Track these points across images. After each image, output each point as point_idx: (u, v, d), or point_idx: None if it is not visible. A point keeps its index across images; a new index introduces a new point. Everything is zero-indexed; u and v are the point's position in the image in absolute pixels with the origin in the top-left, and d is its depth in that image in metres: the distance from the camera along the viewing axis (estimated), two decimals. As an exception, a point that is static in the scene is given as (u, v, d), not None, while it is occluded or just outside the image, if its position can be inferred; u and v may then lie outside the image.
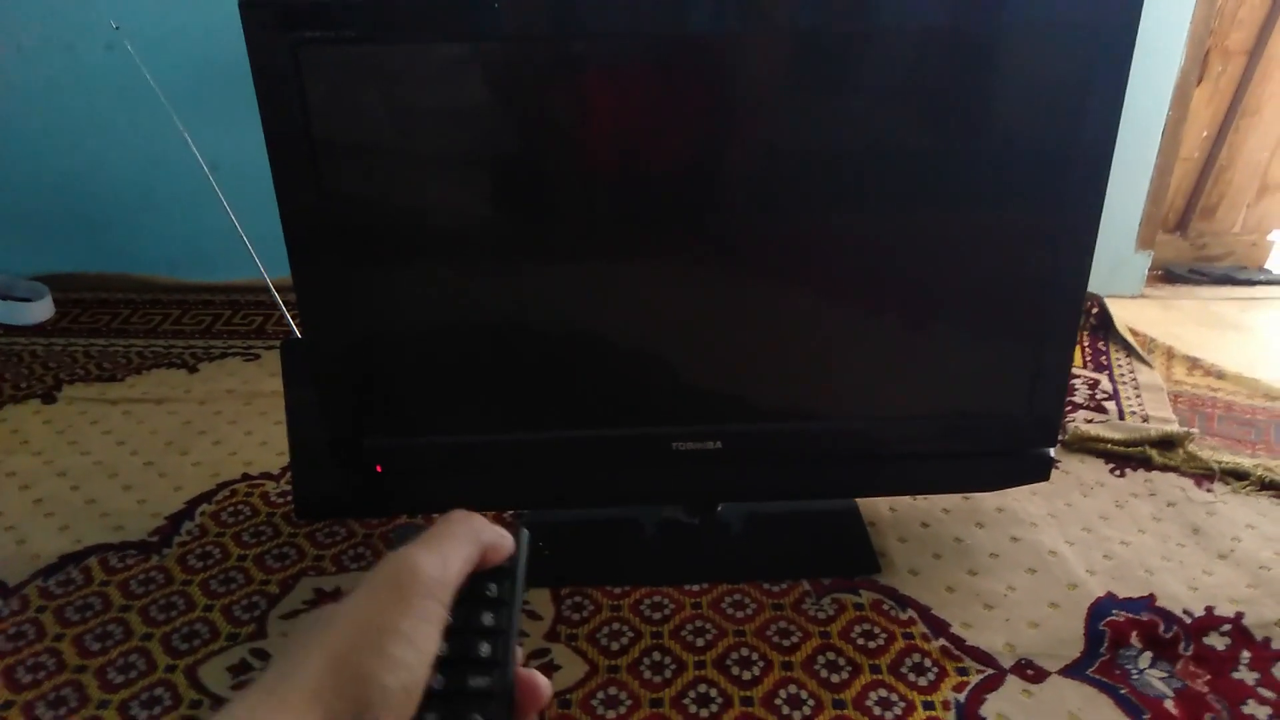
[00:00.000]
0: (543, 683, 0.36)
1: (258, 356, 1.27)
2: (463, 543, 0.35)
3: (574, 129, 0.75)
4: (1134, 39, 0.70)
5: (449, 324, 0.81)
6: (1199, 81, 1.42)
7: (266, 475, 1.02)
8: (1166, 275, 1.57)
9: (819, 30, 0.71)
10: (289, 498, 0.98)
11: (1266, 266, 1.62)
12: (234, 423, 1.12)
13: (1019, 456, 0.86)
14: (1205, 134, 1.55)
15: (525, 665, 0.37)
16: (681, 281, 0.79)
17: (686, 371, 0.83)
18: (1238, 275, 1.57)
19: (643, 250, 0.78)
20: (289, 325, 0.99)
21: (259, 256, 1.02)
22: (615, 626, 0.81)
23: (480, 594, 0.37)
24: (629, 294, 0.80)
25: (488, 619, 0.37)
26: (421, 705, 0.32)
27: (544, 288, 0.79)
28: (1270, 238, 1.62)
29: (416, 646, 0.31)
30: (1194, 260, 1.62)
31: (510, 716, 0.35)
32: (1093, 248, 0.78)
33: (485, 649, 0.36)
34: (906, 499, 0.96)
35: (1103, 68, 0.71)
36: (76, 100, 1.37)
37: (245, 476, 1.02)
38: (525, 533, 0.39)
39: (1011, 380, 0.83)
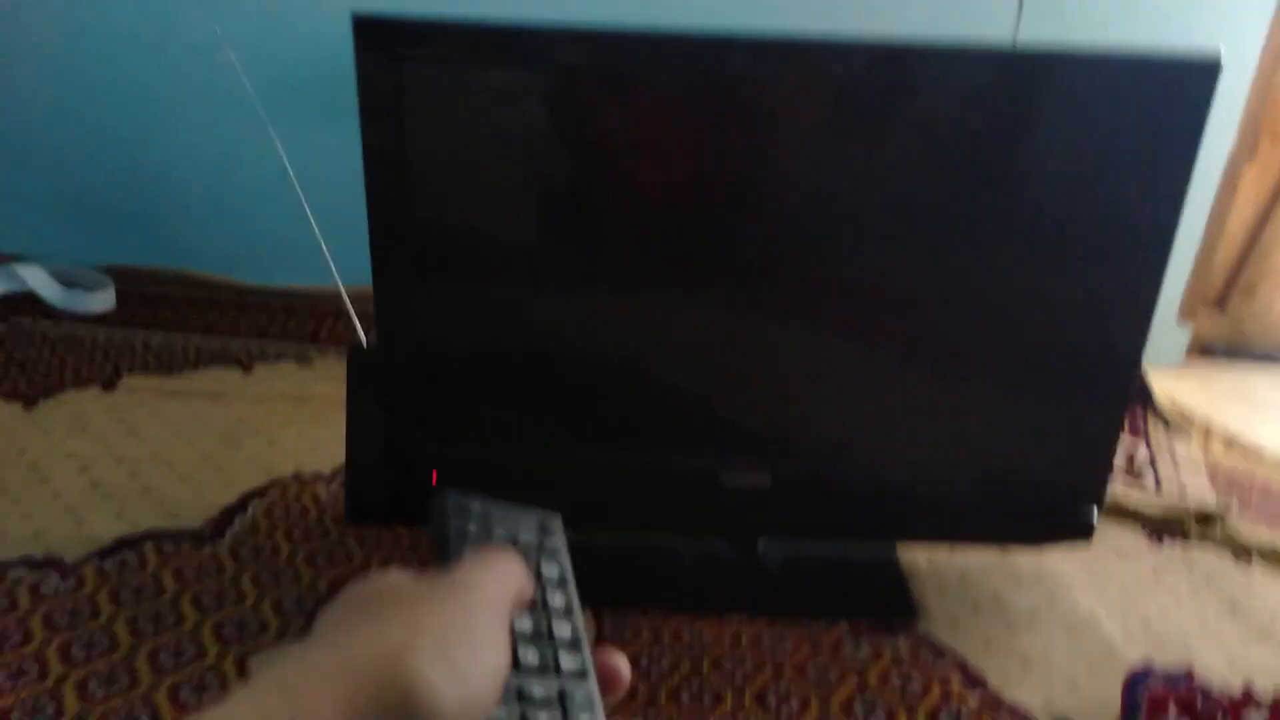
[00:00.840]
0: (622, 663, 0.36)
1: (310, 361, 1.30)
2: (516, 574, 0.33)
3: (647, 165, 0.79)
4: (1206, 117, 0.72)
5: (513, 342, 0.84)
6: (1249, 161, 1.44)
7: (318, 476, 1.04)
8: (1204, 350, 1.58)
9: (888, 84, 0.74)
10: (338, 499, 1.00)
11: (1305, 351, 1.63)
12: (286, 424, 1.14)
13: (1061, 515, 0.87)
14: (1251, 214, 1.57)
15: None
16: (742, 319, 0.82)
17: (738, 406, 0.85)
18: (1275, 356, 1.58)
19: (705, 289, 0.81)
20: (357, 332, 1.01)
21: (322, 262, 1.04)
22: (656, 652, 0.82)
23: (543, 544, 0.38)
24: (688, 328, 0.82)
25: (552, 570, 0.37)
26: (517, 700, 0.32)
27: (604, 314, 0.82)
28: (1310, 322, 1.63)
29: (482, 654, 0.28)
30: (1231, 337, 1.63)
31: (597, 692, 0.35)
32: (1150, 319, 0.80)
33: (566, 629, 0.36)
34: (944, 552, 0.97)
35: (1174, 142, 0.73)
36: (156, 97, 1.42)
37: (296, 475, 1.04)
38: (558, 516, 0.40)
39: (1060, 439, 0.85)
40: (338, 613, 0.29)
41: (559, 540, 0.39)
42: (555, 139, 0.78)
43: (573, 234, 0.81)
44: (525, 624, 0.36)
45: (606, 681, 0.35)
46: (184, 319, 1.40)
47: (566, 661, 0.35)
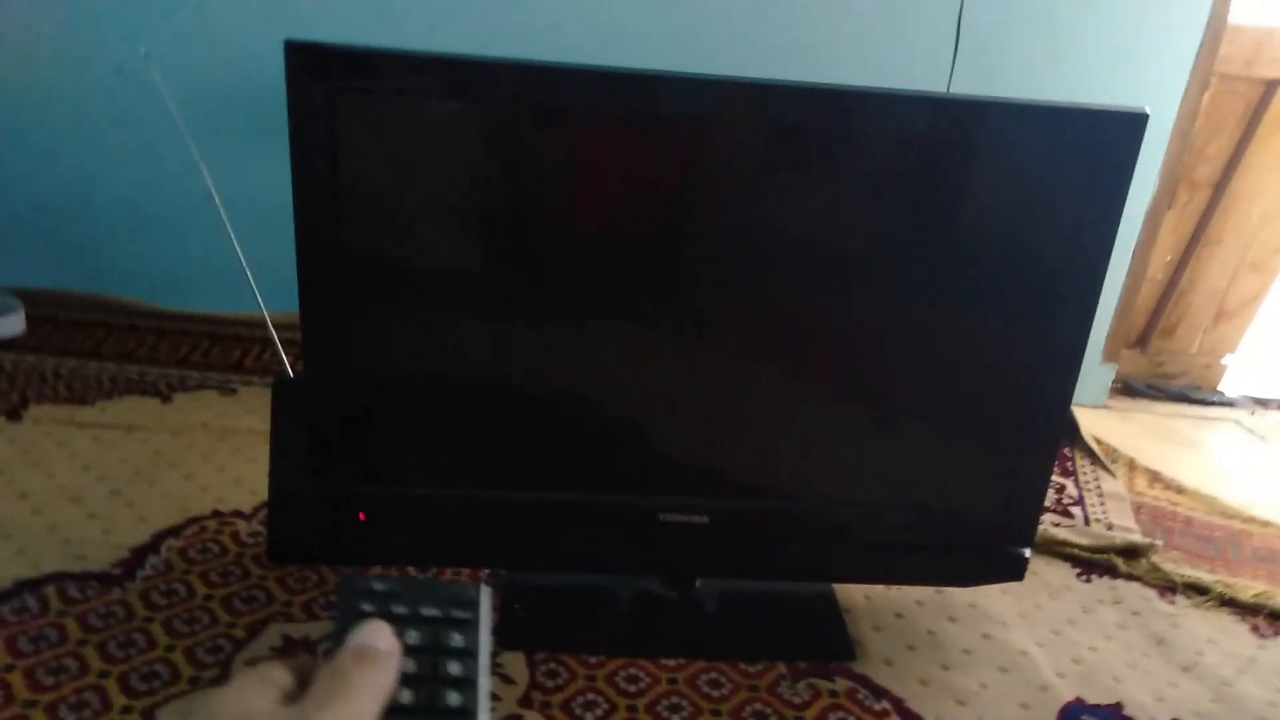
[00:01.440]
0: None
1: (234, 391, 1.25)
2: (368, 695, 0.32)
3: (582, 200, 0.78)
4: (1133, 165, 0.75)
5: (444, 377, 0.82)
6: (1168, 208, 1.50)
7: (238, 514, 0.99)
8: (1126, 388, 1.63)
9: (827, 127, 0.75)
10: (260, 538, 0.95)
11: (1220, 388, 1.70)
12: (206, 457, 1.09)
13: (994, 555, 0.88)
14: (1169, 258, 1.63)
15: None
16: (675, 355, 0.81)
17: (676, 443, 0.84)
18: (1193, 394, 1.64)
19: (641, 325, 0.80)
20: (283, 362, 0.98)
21: (247, 289, 1.01)
22: (590, 697, 0.80)
23: (443, 644, 0.36)
24: (624, 364, 0.81)
25: (455, 640, 0.36)
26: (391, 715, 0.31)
27: (541, 350, 0.80)
28: (1224, 361, 1.70)
29: None
30: (1152, 376, 1.69)
31: None
32: (1079, 364, 0.81)
33: (455, 668, 0.35)
34: (881, 589, 0.97)
35: (1103, 189, 0.75)
36: (77, 115, 1.37)
37: (216, 513, 0.99)
38: (487, 590, 0.38)
39: (992, 480, 0.86)
40: None
41: (476, 613, 0.37)
42: (489, 172, 0.77)
43: (507, 268, 0.80)
44: (404, 696, 0.35)
45: None
46: (99, 345, 1.33)
47: None
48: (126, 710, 0.74)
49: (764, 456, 0.85)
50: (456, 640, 0.36)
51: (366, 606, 0.36)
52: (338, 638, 0.35)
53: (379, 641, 0.35)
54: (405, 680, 0.34)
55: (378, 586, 0.37)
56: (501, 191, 0.78)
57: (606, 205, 0.78)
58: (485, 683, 0.36)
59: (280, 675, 0.33)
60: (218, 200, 0.98)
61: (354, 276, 0.75)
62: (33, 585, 0.86)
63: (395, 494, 0.83)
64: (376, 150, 0.74)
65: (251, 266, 1.00)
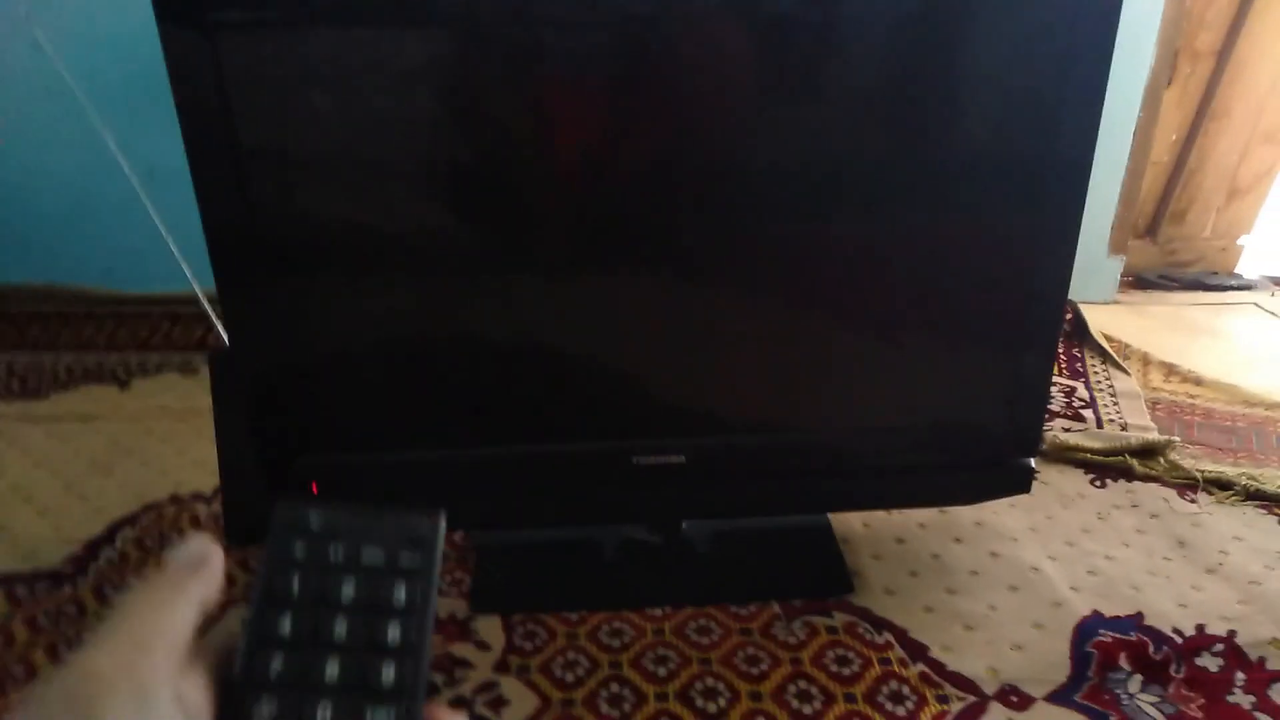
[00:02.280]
0: None
1: (196, 371, 1.20)
2: (162, 610, 0.26)
3: (526, 130, 0.70)
4: (1113, 38, 0.66)
5: (388, 336, 0.75)
6: (1169, 84, 1.40)
7: (197, 496, 0.95)
8: (1137, 281, 1.55)
9: (786, 25, 0.66)
10: (220, 520, 0.90)
11: (1236, 271, 1.61)
12: (165, 441, 1.04)
13: (998, 468, 0.81)
14: (1175, 137, 1.53)
15: (464, 703, 0.30)
16: (640, 287, 0.74)
17: (647, 382, 0.77)
18: (1208, 281, 1.55)
19: (598, 255, 0.73)
20: (223, 340, 0.92)
21: (197, 266, 0.95)
22: (571, 656, 0.75)
23: (383, 602, 0.30)
24: (582, 300, 0.74)
25: (399, 596, 0.30)
26: (310, 694, 0.26)
27: (489, 296, 0.73)
28: (1239, 242, 1.60)
29: None
30: (1164, 266, 1.60)
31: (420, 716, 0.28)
32: (1073, 254, 0.74)
33: (394, 634, 0.29)
34: (880, 513, 0.91)
35: (1081, 68, 0.67)
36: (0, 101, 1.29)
37: (174, 498, 0.94)
38: (441, 524, 0.32)
39: (990, 390, 0.79)
40: None
41: (424, 555, 0.31)
42: (409, 107, 0.69)
43: (442, 212, 0.73)
44: (332, 670, 0.28)
45: None
46: (56, 337, 1.28)
47: (374, 717, 0.28)
48: (77, 713, 0.70)
49: (740, 388, 0.79)
50: (399, 596, 0.30)
51: (298, 548, 0.30)
52: (264, 579, 0.30)
53: (188, 550, 0.30)
54: (332, 649, 0.29)
55: (314, 521, 0.31)
56: (427, 130, 0.70)
57: (554, 125, 0.70)
58: (427, 646, 0.30)
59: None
60: (130, 175, 0.91)
61: (270, 241, 0.69)
62: (-20, 590, 0.82)
63: (348, 462, 0.77)
64: (274, 96, 0.66)
65: (197, 241, 0.93)
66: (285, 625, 0.29)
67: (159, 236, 1.39)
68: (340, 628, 0.29)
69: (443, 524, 0.32)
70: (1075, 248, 0.74)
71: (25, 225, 1.37)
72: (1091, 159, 0.71)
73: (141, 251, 1.37)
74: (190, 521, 0.91)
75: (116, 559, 0.86)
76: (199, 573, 0.29)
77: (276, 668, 0.28)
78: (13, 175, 1.35)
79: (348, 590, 0.30)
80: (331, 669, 0.28)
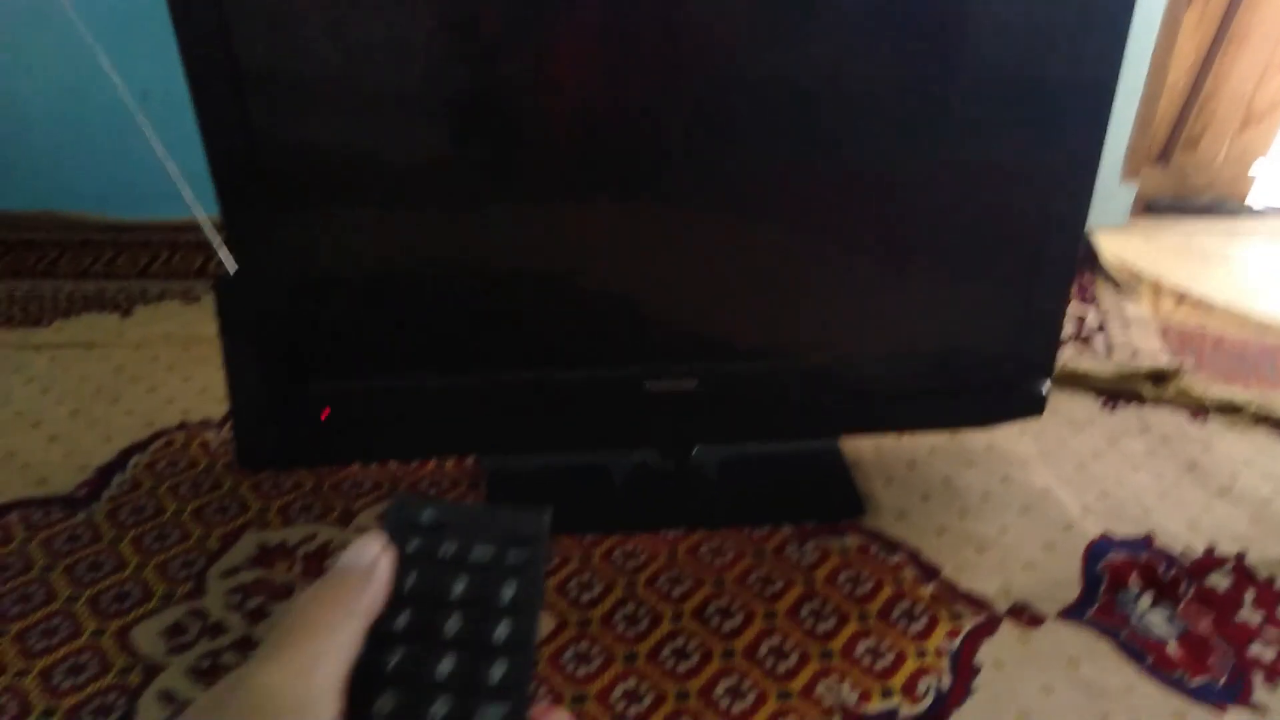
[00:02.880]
0: None
1: (198, 299, 1.18)
2: (334, 630, 0.26)
3: (529, 52, 0.67)
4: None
5: (397, 261, 0.74)
6: (1188, 5, 1.36)
7: (206, 423, 0.94)
8: (1149, 208, 1.53)
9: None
10: (231, 447, 0.90)
11: (1249, 200, 1.58)
12: (171, 368, 1.03)
13: (1011, 392, 0.81)
14: (1191, 61, 1.49)
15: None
16: (651, 212, 0.72)
17: (658, 307, 0.76)
18: (1220, 208, 1.53)
19: (606, 179, 0.71)
20: (226, 266, 0.90)
21: (197, 191, 0.93)
22: (585, 578, 0.76)
23: (492, 599, 0.30)
24: (592, 226, 0.73)
25: (506, 593, 0.30)
26: (425, 690, 0.27)
27: (498, 222, 0.72)
28: (1253, 170, 1.58)
29: None
30: (1176, 192, 1.58)
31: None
32: (1093, 180, 0.73)
33: (502, 632, 0.29)
34: (891, 439, 0.91)
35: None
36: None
37: (183, 425, 0.94)
38: (548, 518, 0.31)
39: (1005, 313, 0.78)
40: None
41: (530, 551, 0.31)
42: (413, 30, 0.66)
43: (450, 135, 0.70)
44: (445, 667, 0.28)
45: None
46: (54, 264, 1.26)
47: (483, 714, 0.28)
48: (98, 633, 0.70)
49: (752, 312, 0.78)
50: (508, 593, 0.30)
51: (411, 544, 0.31)
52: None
53: (360, 558, 0.29)
54: (444, 645, 0.29)
55: (426, 518, 0.31)
56: (432, 52, 0.67)
57: (558, 42, 0.68)
58: (534, 644, 0.30)
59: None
60: (128, 99, 0.88)
61: (275, 167, 0.67)
62: (-6, 515, 0.82)
63: (359, 388, 0.76)
64: (273, 15, 0.64)
65: (194, 166, 0.91)
66: (401, 620, 0.29)
67: (155, 162, 1.36)
68: (452, 624, 0.29)
69: (549, 521, 0.31)
70: (1096, 173, 0.73)
71: (16, 150, 1.34)
72: (1116, 81, 0.69)
73: (137, 178, 1.35)
74: (200, 448, 0.91)
75: (129, 485, 0.85)
76: (370, 586, 0.28)
77: (393, 663, 0.28)
78: (1, 97, 1.31)
79: (458, 587, 0.30)
80: (444, 665, 0.28)
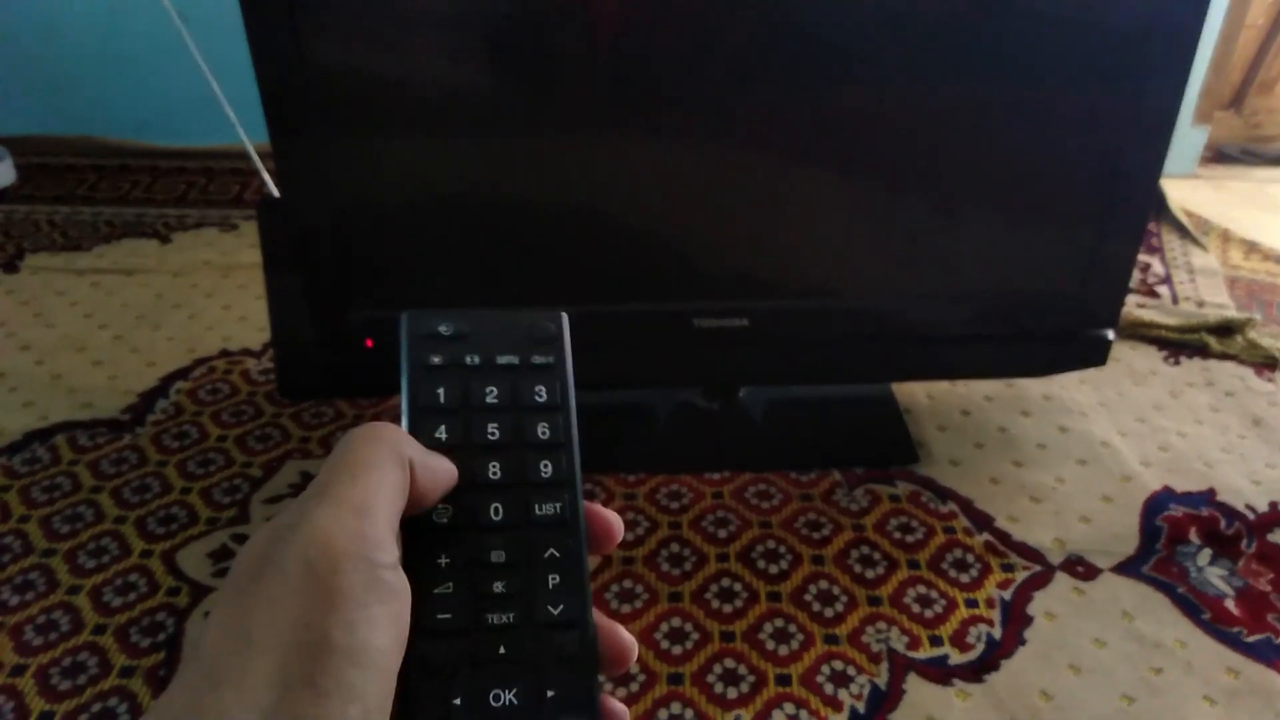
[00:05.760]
0: (613, 518, 0.29)
1: (235, 227, 1.17)
2: (383, 472, 0.25)
3: None
4: None
5: (443, 190, 0.72)
6: (1275, -65, 1.28)
7: (247, 352, 0.94)
8: (1218, 156, 1.46)
9: None
10: (271, 375, 0.90)
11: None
12: (210, 296, 1.03)
13: (1073, 340, 0.78)
14: (1271, 4, 1.41)
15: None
16: (704, 149, 0.70)
17: (710, 244, 0.74)
18: (1293, 157, 1.46)
19: (660, 115, 0.68)
20: (264, 194, 0.89)
21: (237, 117, 0.91)
22: (630, 516, 0.75)
23: (525, 400, 0.29)
24: (643, 158, 0.70)
25: (539, 392, 0.29)
26: (477, 540, 0.26)
27: (548, 152, 0.69)
28: (1330, 117, 1.50)
29: (364, 659, 0.22)
30: (1247, 140, 1.51)
31: (584, 551, 0.28)
32: (1172, 124, 0.69)
33: (544, 429, 0.29)
34: (945, 385, 0.89)
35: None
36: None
37: (224, 352, 0.93)
38: (565, 320, 0.31)
39: (1071, 259, 0.75)
40: (206, 634, 0.23)
41: (555, 350, 0.30)
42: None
43: (502, 66, 0.68)
44: (494, 470, 0.28)
45: (594, 537, 0.28)
46: (93, 190, 1.26)
47: (543, 509, 0.28)
48: (146, 554, 0.71)
49: (807, 252, 0.75)
50: (540, 394, 0.29)
51: (435, 359, 0.29)
52: (410, 392, 0.29)
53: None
54: (487, 450, 0.28)
55: (444, 329, 0.30)
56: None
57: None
58: (575, 439, 0.29)
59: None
60: (179, 23, 0.86)
61: (325, 94, 0.65)
62: (42, 436, 0.82)
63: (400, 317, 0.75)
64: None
65: (233, 92, 0.89)
66: (441, 433, 0.28)
67: (192, 89, 1.34)
68: (492, 429, 0.29)
69: (567, 322, 0.31)
70: (1175, 118, 0.69)
71: (55, 74, 1.33)
72: (1202, 24, 0.65)
73: (175, 104, 1.33)
74: (241, 376, 0.90)
75: (172, 410, 0.85)
76: (420, 459, 0.27)
77: None
78: (38, 14, 1.29)
79: (491, 392, 0.29)
80: (493, 469, 0.28)
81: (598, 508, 0.29)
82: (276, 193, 0.89)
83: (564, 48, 0.66)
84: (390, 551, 0.24)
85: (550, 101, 0.68)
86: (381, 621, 0.23)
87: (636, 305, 0.75)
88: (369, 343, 0.75)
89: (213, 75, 0.89)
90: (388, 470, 0.25)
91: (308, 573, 0.22)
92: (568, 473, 0.28)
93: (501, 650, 0.26)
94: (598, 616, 0.28)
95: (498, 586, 0.26)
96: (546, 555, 0.27)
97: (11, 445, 0.81)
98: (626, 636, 0.28)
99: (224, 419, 0.84)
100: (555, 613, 0.27)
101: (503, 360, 0.30)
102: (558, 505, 0.28)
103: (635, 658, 0.28)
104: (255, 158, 0.92)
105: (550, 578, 0.27)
